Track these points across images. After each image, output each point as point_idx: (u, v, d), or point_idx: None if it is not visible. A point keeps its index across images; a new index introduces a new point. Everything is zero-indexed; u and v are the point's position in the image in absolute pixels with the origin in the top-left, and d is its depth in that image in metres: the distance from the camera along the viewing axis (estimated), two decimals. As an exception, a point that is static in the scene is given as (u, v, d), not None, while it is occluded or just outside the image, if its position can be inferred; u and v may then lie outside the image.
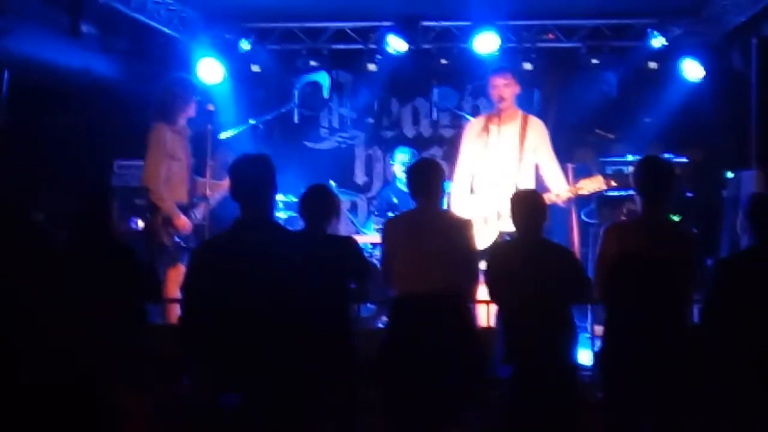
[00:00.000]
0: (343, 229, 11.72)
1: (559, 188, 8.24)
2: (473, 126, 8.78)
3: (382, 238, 6.61)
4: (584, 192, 8.18)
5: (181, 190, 8.42)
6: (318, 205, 6.39)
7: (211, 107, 8.75)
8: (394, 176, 10.98)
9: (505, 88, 8.45)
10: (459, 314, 6.18)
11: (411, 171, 6.58)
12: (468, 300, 6.37)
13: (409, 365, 6.03)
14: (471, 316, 6.43)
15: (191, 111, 8.51)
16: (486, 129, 8.47)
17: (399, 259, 6.32)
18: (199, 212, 8.52)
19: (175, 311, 7.58)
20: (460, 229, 6.38)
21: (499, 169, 8.34)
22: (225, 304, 4.81)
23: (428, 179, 6.41)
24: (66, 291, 4.97)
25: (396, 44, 10.70)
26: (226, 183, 7.51)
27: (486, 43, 10.45)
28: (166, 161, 8.28)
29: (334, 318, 5.92)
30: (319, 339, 4.97)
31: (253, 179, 5.07)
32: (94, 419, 5.22)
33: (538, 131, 8.48)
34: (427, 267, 6.14)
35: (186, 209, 8.41)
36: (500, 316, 6.28)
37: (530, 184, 8.12)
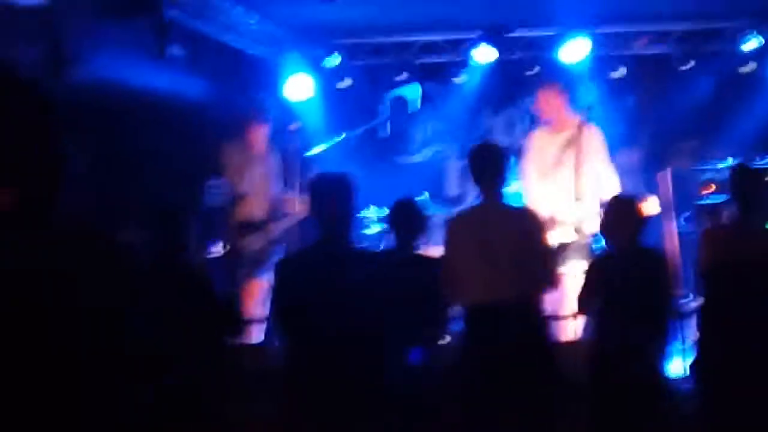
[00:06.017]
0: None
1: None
2: (531, 138, 8.78)
3: (444, 241, 6.11)
4: None
5: (251, 206, 8.48)
6: (405, 219, 6.34)
7: (295, 126, 8.84)
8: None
9: (545, 103, 8.50)
10: (534, 328, 5.87)
11: (469, 156, 6.14)
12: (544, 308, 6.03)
13: (481, 383, 5.75)
14: (546, 328, 6.11)
15: (265, 130, 8.60)
16: (543, 139, 8.49)
17: (465, 266, 5.89)
18: (279, 227, 8.53)
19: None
20: (533, 226, 6.01)
21: (554, 178, 8.27)
22: (303, 321, 4.82)
23: (485, 165, 6.01)
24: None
25: (485, 55, 10.66)
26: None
27: (574, 51, 10.39)
28: (235, 179, 8.36)
29: (410, 338, 5.74)
30: (395, 358, 4.93)
31: (331, 197, 5.07)
32: None
33: (589, 138, 8.31)
34: (498, 273, 5.76)
35: (260, 225, 8.47)
36: (593, 327, 6.16)
37: (592, 192, 7.99)
